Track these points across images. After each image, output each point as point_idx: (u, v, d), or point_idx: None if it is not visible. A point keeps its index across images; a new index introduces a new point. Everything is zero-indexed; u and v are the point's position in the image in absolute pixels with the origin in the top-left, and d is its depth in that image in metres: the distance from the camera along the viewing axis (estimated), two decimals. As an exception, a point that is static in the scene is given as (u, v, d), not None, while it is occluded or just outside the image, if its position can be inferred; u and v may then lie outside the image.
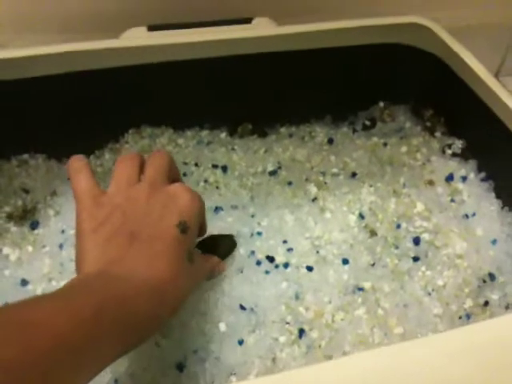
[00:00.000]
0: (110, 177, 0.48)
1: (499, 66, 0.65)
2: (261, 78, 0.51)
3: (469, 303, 0.39)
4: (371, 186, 0.45)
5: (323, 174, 0.47)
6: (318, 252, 0.40)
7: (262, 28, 0.47)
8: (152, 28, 0.47)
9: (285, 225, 0.42)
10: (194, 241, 0.33)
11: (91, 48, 0.43)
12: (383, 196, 0.44)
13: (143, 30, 0.46)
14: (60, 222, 0.43)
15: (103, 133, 0.50)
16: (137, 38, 0.45)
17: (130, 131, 0.51)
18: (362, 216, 0.43)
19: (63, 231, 0.42)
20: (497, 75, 0.66)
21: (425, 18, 0.49)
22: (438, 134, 0.51)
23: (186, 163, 0.49)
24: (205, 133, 0.52)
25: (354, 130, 0.54)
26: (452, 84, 0.49)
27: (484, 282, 0.41)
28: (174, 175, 0.36)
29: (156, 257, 0.29)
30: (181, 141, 0.51)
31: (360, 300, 0.38)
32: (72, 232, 0.41)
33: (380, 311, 0.37)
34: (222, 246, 0.39)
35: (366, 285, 0.39)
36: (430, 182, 0.46)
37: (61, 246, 0.41)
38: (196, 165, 0.48)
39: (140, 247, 0.29)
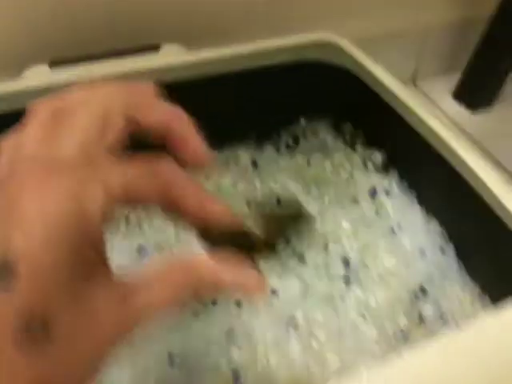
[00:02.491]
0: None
1: (414, 71, 0.66)
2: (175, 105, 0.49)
3: (403, 321, 0.39)
4: (296, 209, 0.44)
5: (248, 203, 0.46)
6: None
7: (170, 56, 0.46)
8: (54, 64, 0.44)
9: (211, 260, 0.41)
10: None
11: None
12: (309, 219, 0.44)
13: (45, 67, 0.44)
14: None
15: None
16: (38, 77, 0.42)
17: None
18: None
19: None
20: (414, 80, 0.67)
21: (333, 34, 0.49)
22: (358, 147, 0.51)
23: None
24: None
25: (278, 150, 0.53)
26: (366, 97, 0.49)
27: (416, 297, 0.41)
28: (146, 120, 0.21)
29: None
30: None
31: (294, 334, 0.37)
32: None
33: (314, 344, 0.36)
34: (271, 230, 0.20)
35: (299, 315, 0.38)
36: (354, 199, 0.46)
37: None
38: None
39: None
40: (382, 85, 0.46)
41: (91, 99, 0.20)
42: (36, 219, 0.15)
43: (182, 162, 0.21)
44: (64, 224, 0.15)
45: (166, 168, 0.19)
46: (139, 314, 0.18)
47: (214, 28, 0.53)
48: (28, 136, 0.19)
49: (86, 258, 0.16)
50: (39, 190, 0.16)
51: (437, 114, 0.63)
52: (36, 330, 0.14)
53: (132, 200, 0.18)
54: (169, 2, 0.49)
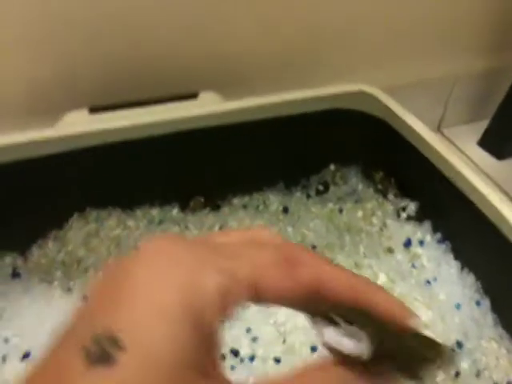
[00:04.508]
0: (54, 268, 0.46)
1: (441, 118, 0.67)
2: (209, 150, 0.49)
3: (441, 376, 0.39)
4: (332, 259, 0.44)
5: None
6: (284, 340, 0.38)
7: (208, 104, 0.46)
8: (94, 110, 0.45)
9: (247, 309, 0.41)
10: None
11: (27, 140, 0.41)
12: (345, 270, 0.43)
13: (84, 112, 0.44)
14: (3, 329, 0.39)
15: (46, 220, 0.47)
16: (77, 123, 0.43)
17: (75, 216, 0.48)
18: (325, 295, 0.42)
19: (7, 340, 0.38)
20: (439, 127, 0.68)
21: (364, 84, 0.49)
22: (390, 195, 0.51)
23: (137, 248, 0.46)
24: (155, 210, 0.50)
25: (308, 196, 0.53)
26: (398, 145, 0.49)
27: (453, 351, 0.40)
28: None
29: None
30: (130, 222, 0.48)
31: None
32: (16, 341, 0.38)
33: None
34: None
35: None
36: (390, 250, 0.46)
37: (4, 359, 0.37)
38: (149, 248, 0.46)
39: None
40: (414, 134, 0.46)
41: None
42: (147, 304, 0.14)
43: None
44: (175, 315, 0.14)
45: (305, 253, 0.18)
46: None
47: (249, 77, 0.54)
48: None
49: (192, 358, 0.14)
50: (156, 272, 0.15)
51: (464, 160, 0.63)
52: None
53: (262, 295, 0.17)
54: (207, 52, 0.50)
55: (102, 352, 0.13)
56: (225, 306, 0.15)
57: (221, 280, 0.15)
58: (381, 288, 0.18)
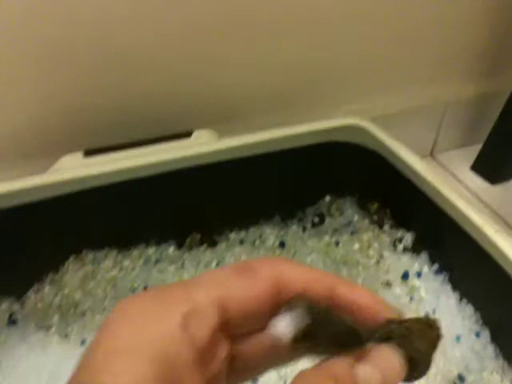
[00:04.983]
0: (52, 313, 0.46)
1: (434, 143, 0.67)
2: (205, 187, 0.49)
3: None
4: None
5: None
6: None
7: (202, 143, 0.47)
8: (88, 153, 0.45)
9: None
10: None
11: (23, 186, 0.41)
12: (343, 306, 0.43)
13: (79, 156, 0.44)
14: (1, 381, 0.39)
15: (42, 263, 0.47)
16: (72, 167, 0.43)
17: (71, 258, 0.48)
18: (325, 333, 0.41)
19: (4, 392, 0.38)
20: (432, 152, 0.68)
21: (358, 118, 0.50)
22: (386, 226, 0.51)
23: (134, 288, 0.46)
24: (151, 250, 0.50)
25: (304, 228, 0.53)
26: (392, 177, 0.49)
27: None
28: None
29: None
30: (126, 262, 0.48)
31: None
32: (14, 392, 0.37)
33: None
34: None
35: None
36: (387, 283, 0.46)
37: (2, 411, 0.37)
38: (145, 289, 0.46)
39: None
40: (406, 165, 0.47)
41: None
42: (120, 371, 0.14)
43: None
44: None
45: (260, 259, 0.19)
46: None
47: (244, 112, 0.54)
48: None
49: None
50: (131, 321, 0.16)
51: (455, 185, 0.64)
52: None
53: (231, 310, 0.17)
54: (200, 89, 0.51)
55: None
56: (193, 333, 0.16)
57: (182, 309, 0.16)
58: (349, 281, 0.19)
